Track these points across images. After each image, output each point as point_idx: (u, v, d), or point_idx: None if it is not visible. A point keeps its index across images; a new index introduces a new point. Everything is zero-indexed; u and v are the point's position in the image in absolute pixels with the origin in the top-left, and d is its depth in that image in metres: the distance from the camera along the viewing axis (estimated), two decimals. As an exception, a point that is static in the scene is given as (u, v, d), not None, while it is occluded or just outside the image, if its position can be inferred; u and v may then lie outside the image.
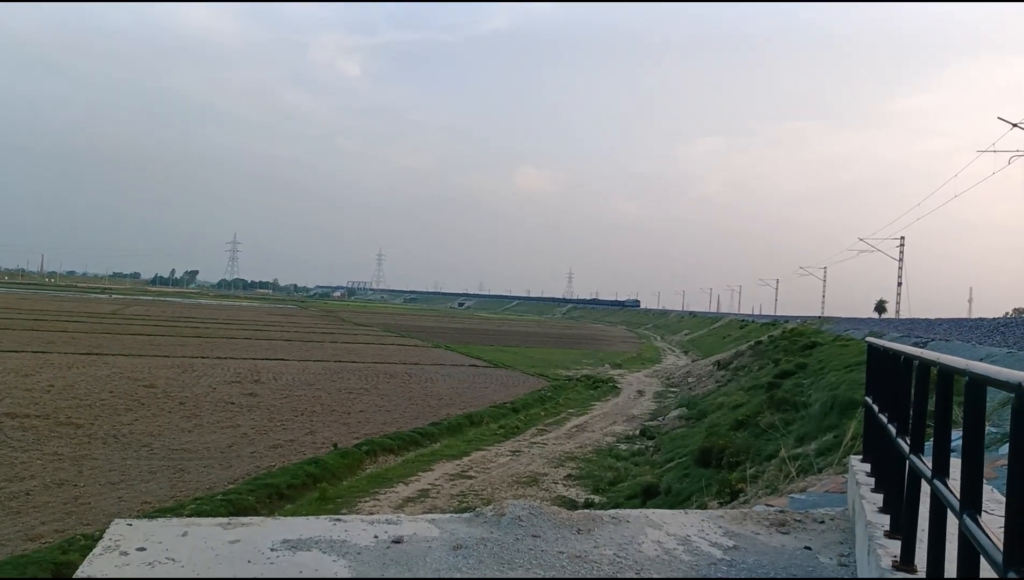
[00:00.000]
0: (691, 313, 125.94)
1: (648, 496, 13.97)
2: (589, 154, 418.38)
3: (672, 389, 36.34)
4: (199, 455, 15.42)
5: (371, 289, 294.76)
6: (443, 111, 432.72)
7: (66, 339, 38.09)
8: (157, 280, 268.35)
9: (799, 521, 3.63)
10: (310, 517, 3.31)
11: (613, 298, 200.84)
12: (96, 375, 25.56)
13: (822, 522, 3.67)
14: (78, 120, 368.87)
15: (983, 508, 1.71)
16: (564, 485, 16.69)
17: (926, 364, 2.52)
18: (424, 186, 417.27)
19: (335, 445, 17.30)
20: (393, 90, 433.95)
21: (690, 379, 38.73)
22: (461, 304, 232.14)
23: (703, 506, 9.23)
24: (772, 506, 5.01)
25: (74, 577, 2.64)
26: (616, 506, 13.77)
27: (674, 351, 68.36)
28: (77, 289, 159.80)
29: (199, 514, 11.26)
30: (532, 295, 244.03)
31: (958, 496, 1.78)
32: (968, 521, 1.67)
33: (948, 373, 2.14)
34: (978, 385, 1.78)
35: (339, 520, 3.20)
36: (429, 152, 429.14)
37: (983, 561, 1.59)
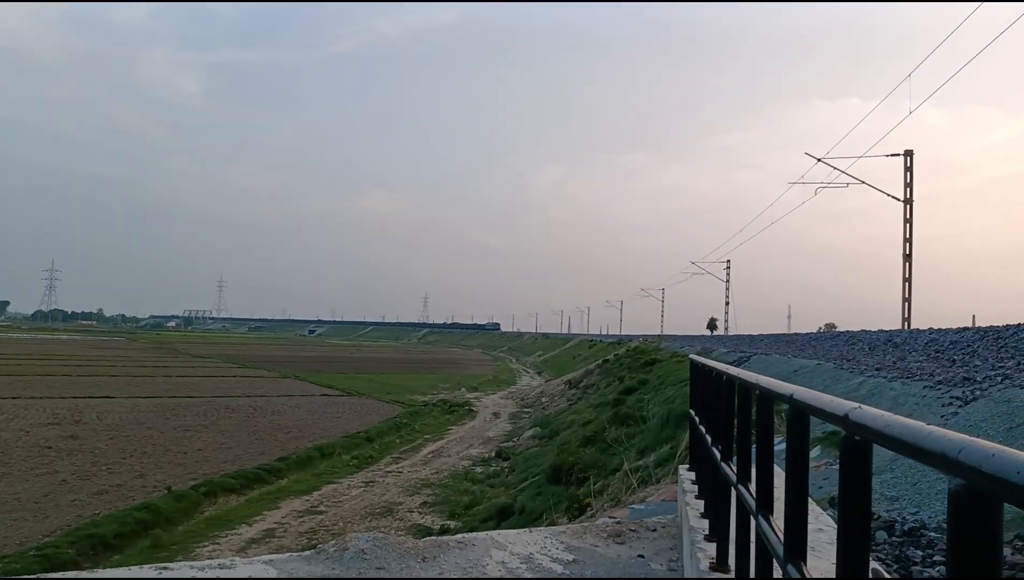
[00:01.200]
0: (544, 335, 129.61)
1: (503, 517, 14.13)
2: (441, 179, 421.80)
3: (527, 409, 37.10)
4: (8, 507, 13.71)
5: (211, 318, 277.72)
6: (287, 132, 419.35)
7: None
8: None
9: (634, 531, 3.85)
10: (132, 567, 3.08)
11: (470, 321, 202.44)
12: None
13: (655, 530, 3.92)
14: None
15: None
16: (420, 513, 16.50)
17: (731, 379, 2.80)
18: (269, 209, 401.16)
19: (169, 488, 16.03)
20: (234, 110, 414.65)
21: (543, 399, 39.74)
22: (312, 331, 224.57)
23: (552, 523, 9.49)
24: (614, 518, 5.28)
25: None
26: (471, 530, 13.81)
27: (528, 372, 69.92)
28: None
29: (6, 574, 10.02)
30: (387, 320, 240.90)
31: (754, 498, 1.99)
32: (762, 521, 1.88)
33: (745, 387, 2.40)
34: (766, 397, 2.01)
35: (165, 568, 3.00)
36: (273, 174, 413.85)
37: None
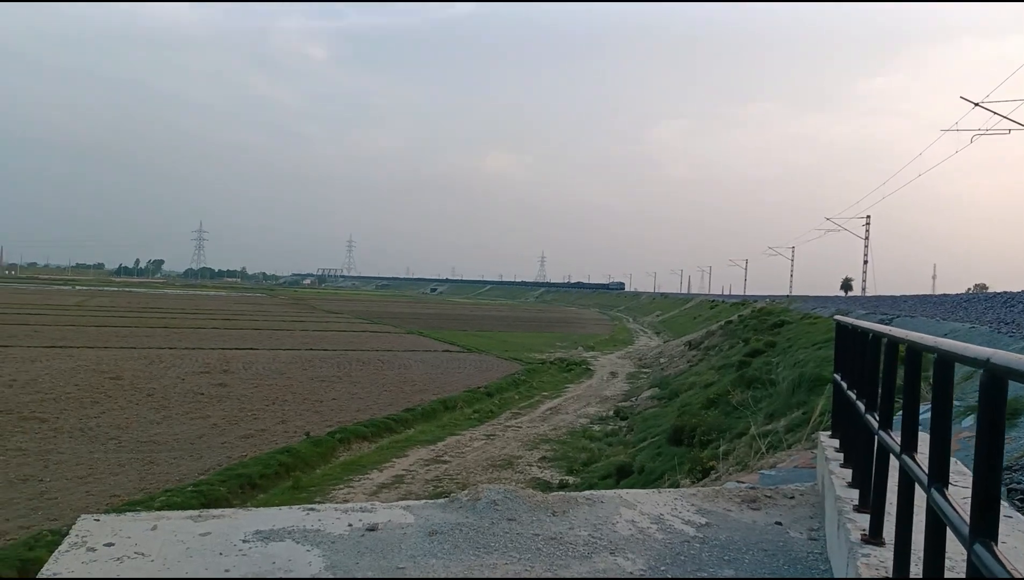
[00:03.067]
0: (662, 294, 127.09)
1: (622, 476, 14.12)
2: (557, 138, 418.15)
3: (644, 370, 36.69)
4: (168, 447, 15.19)
5: (342, 276, 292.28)
6: (411, 95, 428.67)
7: (28, 332, 37.16)
8: (121, 270, 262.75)
9: (769, 497, 3.68)
10: (283, 507, 3.27)
11: (586, 280, 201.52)
12: (60, 368, 25.00)
13: (792, 497, 3.72)
14: (38, 109, 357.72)
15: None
16: (539, 467, 16.79)
17: (894, 341, 2.55)
18: (394, 171, 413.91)
19: (307, 434, 17.18)
20: (360, 75, 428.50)
21: (662, 360, 39.13)
22: (433, 289, 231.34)
23: (676, 484, 9.35)
24: (743, 483, 5.09)
25: (39, 576, 2.57)
26: (590, 486, 13.90)
27: (646, 332, 68.99)
28: (39, 281, 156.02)
29: (169, 507, 11.11)
30: (505, 279, 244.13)
31: (926, 471, 1.80)
32: (936, 495, 1.69)
33: (916, 350, 2.16)
34: (946, 362, 1.80)
35: (312, 510, 3.16)
36: (397, 137, 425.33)
37: (949, 533, 1.61)
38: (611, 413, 24.26)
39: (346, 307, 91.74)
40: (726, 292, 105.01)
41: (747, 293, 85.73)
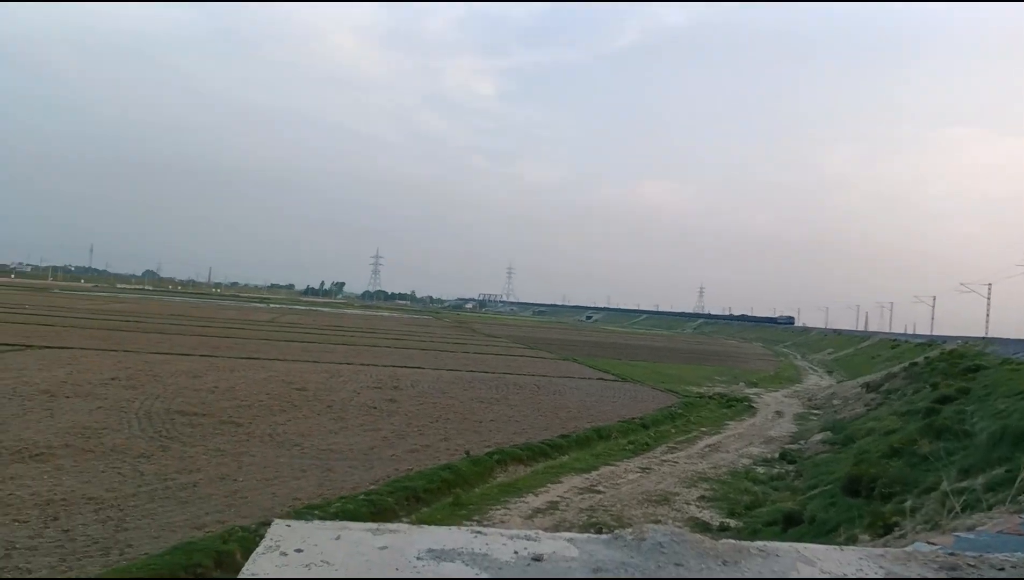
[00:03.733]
0: (835, 331, 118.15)
1: (789, 524, 13.22)
2: (718, 165, 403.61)
3: (814, 411, 34.25)
4: (344, 456, 16.30)
5: (501, 301, 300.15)
6: (572, 127, 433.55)
7: (229, 345, 41.64)
8: (309, 291, 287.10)
9: (973, 566, 3.30)
10: (452, 528, 3.41)
11: (748, 313, 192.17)
12: (255, 378, 27.73)
13: (1002, 569, 3.31)
14: (240, 150, 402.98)
15: None
16: (697, 506, 16.14)
17: None
18: (554, 201, 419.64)
19: (467, 452, 17.73)
20: (524, 109, 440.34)
21: (835, 401, 36.33)
22: (589, 317, 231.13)
23: (852, 539, 8.61)
24: (934, 544, 4.59)
25: (240, 576, 2.88)
26: (754, 532, 13.15)
27: (816, 371, 64.44)
28: (239, 298, 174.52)
29: (344, 512, 11.91)
30: (661, 309, 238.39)
31: None
32: None
33: None
34: None
35: (480, 533, 3.27)
36: (558, 167, 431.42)
37: None
38: (777, 455, 22.85)
39: (504, 331, 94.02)
40: (909, 331, 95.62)
41: (934, 333, 77.62)
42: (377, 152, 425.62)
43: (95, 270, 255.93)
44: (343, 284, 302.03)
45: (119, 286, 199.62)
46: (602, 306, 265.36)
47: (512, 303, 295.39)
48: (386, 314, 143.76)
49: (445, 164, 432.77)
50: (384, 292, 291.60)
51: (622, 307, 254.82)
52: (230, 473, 14.04)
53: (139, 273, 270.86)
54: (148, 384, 24.01)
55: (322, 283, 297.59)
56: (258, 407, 21.48)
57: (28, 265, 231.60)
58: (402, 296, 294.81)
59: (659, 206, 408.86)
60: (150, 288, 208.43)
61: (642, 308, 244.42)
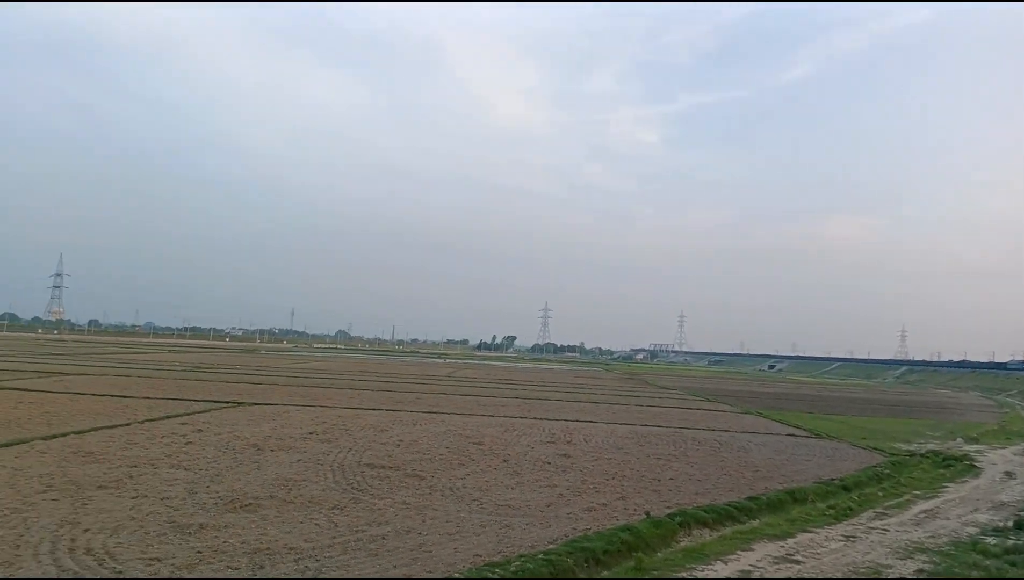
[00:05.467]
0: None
1: (1039, 611, 11.14)
2: (919, 193, 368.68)
3: (1057, 473, 29.28)
4: (521, 512, 16.22)
5: (673, 351, 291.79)
6: (739, 165, 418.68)
7: (411, 399, 43.77)
8: (482, 345, 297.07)
9: None
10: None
11: (961, 357, 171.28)
12: (435, 431, 28.76)
13: None
14: (414, 214, 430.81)
15: None
16: (917, 583, 14.16)
17: None
18: (723, 244, 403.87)
19: (647, 513, 16.96)
20: (688, 152, 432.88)
21: (1083, 461, 30.87)
22: (772, 366, 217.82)
23: None
24: None
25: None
26: (993, 618, 11.23)
27: (1053, 424, 55.51)
28: (419, 354, 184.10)
29: (524, 572, 11.74)
30: (856, 356, 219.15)
31: None
32: None
33: None
34: None
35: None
36: (727, 209, 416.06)
37: None
38: (1011, 524, 19.65)
39: (679, 383, 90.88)
40: None
41: None
42: (542, 207, 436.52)
43: (295, 332, 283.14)
44: (514, 338, 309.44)
45: (315, 346, 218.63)
46: (787, 354, 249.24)
47: (685, 353, 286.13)
48: (556, 366, 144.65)
49: (610, 214, 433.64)
50: (553, 345, 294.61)
51: (810, 355, 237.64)
52: (415, 526, 14.42)
53: (333, 333, 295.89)
54: (341, 438, 25.66)
55: (494, 337, 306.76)
56: (439, 460, 22.14)
57: (240, 329, 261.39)
58: (571, 348, 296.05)
59: (847, 243, 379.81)
60: (342, 347, 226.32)
61: (834, 355, 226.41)
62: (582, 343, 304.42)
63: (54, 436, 22.63)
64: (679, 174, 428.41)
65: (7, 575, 10.43)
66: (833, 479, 23.95)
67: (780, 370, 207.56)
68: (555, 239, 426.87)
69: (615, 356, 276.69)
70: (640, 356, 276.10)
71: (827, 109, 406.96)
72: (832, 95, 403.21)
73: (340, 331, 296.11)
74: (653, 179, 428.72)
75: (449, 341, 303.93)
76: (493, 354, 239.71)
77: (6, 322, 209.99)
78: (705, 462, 25.46)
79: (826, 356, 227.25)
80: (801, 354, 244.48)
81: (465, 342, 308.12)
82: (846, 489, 23.15)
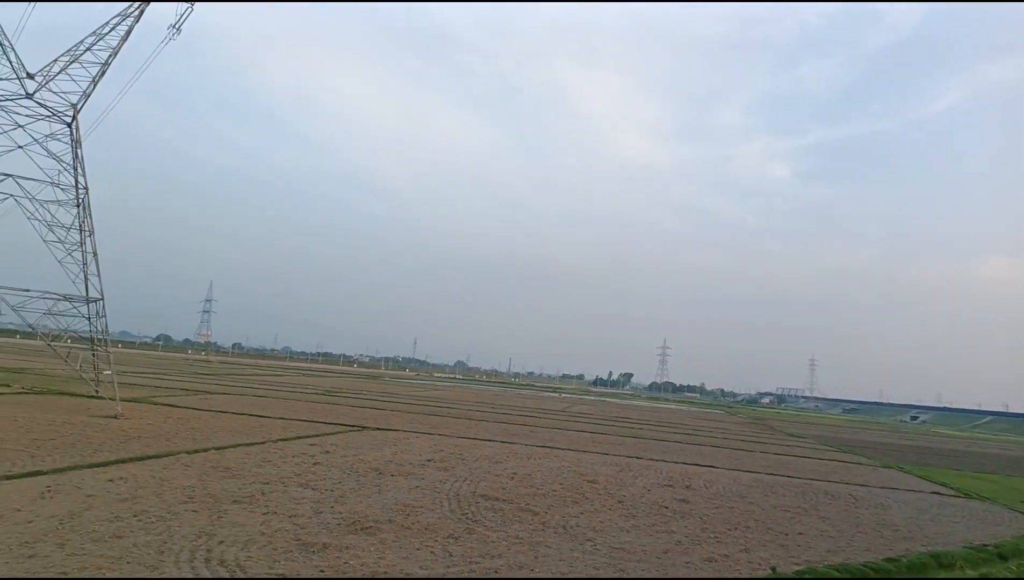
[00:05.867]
0: None
1: None
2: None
3: None
4: (636, 557, 15.72)
5: (804, 396, 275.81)
6: (878, 201, 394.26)
7: (526, 432, 43.82)
8: (598, 382, 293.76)
9: None
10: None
11: None
12: (548, 467, 28.57)
13: None
14: (532, 250, 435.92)
15: None
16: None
17: None
18: (861, 284, 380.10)
19: (773, 568, 15.95)
20: (822, 186, 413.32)
21: None
22: (914, 418, 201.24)
23: None
24: None
25: None
26: None
27: None
28: (534, 387, 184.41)
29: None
30: (1012, 410, 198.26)
31: None
32: None
33: None
34: None
35: None
36: (863, 248, 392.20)
37: None
38: None
39: (809, 431, 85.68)
40: None
41: None
42: (663, 242, 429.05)
43: (417, 361, 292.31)
44: (631, 375, 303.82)
45: (435, 375, 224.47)
46: (931, 405, 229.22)
47: (816, 399, 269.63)
48: (674, 406, 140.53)
49: (735, 250, 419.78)
50: (672, 384, 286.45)
51: (959, 407, 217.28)
52: (527, 562, 14.31)
53: (451, 363, 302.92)
54: (457, 467, 26.02)
55: (610, 373, 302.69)
56: (552, 497, 21.93)
57: (367, 356, 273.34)
58: (690, 388, 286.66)
59: (1004, 287, 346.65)
60: (460, 377, 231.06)
61: (985, 408, 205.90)
62: (702, 384, 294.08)
63: (197, 451, 24.42)
64: (812, 209, 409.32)
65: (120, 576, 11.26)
66: (986, 545, 21.54)
67: (923, 422, 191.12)
68: (676, 275, 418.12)
69: (738, 399, 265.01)
70: (766, 400, 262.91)
71: (977, 140, 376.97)
72: (982, 126, 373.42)
73: (459, 361, 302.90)
74: (783, 214, 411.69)
75: (565, 375, 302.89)
76: (609, 391, 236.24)
77: (161, 343, 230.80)
78: (838, 517, 23.70)
79: (977, 408, 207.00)
80: (948, 405, 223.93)
81: (581, 377, 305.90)
82: (1002, 557, 20.73)
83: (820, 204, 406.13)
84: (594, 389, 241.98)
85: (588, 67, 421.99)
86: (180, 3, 40.04)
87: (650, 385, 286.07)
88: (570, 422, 58.84)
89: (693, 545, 17.51)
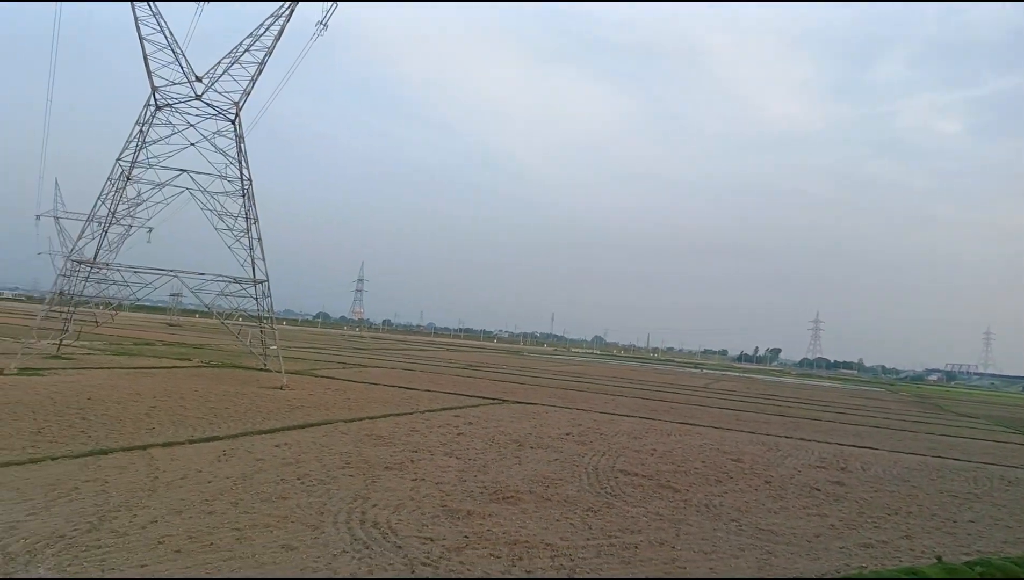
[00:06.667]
0: None
1: None
2: None
3: None
4: (785, 539, 15.08)
5: (977, 373, 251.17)
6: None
7: (665, 408, 43.11)
8: (742, 357, 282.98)
9: None
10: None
11: None
12: (690, 444, 27.97)
13: None
14: (682, 222, 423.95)
15: None
16: None
17: None
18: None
19: (939, 557, 14.73)
20: (1001, 142, 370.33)
21: None
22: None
23: None
24: None
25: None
26: None
27: None
28: (674, 363, 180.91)
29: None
30: None
31: None
32: None
33: None
34: None
35: None
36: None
37: None
38: None
39: (983, 410, 78.13)
40: None
41: None
42: (815, 209, 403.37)
43: (555, 336, 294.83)
44: (779, 350, 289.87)
45: (573, 350, 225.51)
46: None
47: (992, 376, 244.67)
48: (827, 384, 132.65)
49: (898, 215, 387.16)
50: (825, 360, 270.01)
51: None
52: (668, 539, 14.13)
53: (589, 338, 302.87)
54: (595, 441, 26.10)
55: (756, 349, 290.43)
56: (694, 474, 21.47)
57: (506, 332, 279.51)
58: (846, 365, 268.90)
59: None
60: (597, 352, 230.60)
61: None
62: (860, 360, 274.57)
63: (352, 420, 26.14)
64: (990, 168, 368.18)
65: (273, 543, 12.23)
66: None
67: None
68: (829, 244, 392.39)
69: (901, 376, 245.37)
70: (933, 377, 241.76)
71: None
72: None
73: (596, 337, 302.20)
74: (954, 174, 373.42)
75: (706, 351, 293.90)
76: (754, 367, 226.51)
77: (320, 320, 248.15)
78: (1017, 506, 21.46)
79: None
80: None
81: (724, 353, 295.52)
82: None
83: (999, 163, 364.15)
84: (737, 365, 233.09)
85: (731, 29, 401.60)
86: (326, 1, 42.33)
87: (800, 361, 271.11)
88: (712, 399, 57.18)
89: (848, 530, 16.53)
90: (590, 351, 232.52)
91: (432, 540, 12.55)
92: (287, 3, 40.95)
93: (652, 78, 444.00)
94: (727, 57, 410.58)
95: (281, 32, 41.06)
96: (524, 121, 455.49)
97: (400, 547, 11.98)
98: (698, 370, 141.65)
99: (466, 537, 12.91)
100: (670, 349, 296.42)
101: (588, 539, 13.57)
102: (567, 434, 27.35)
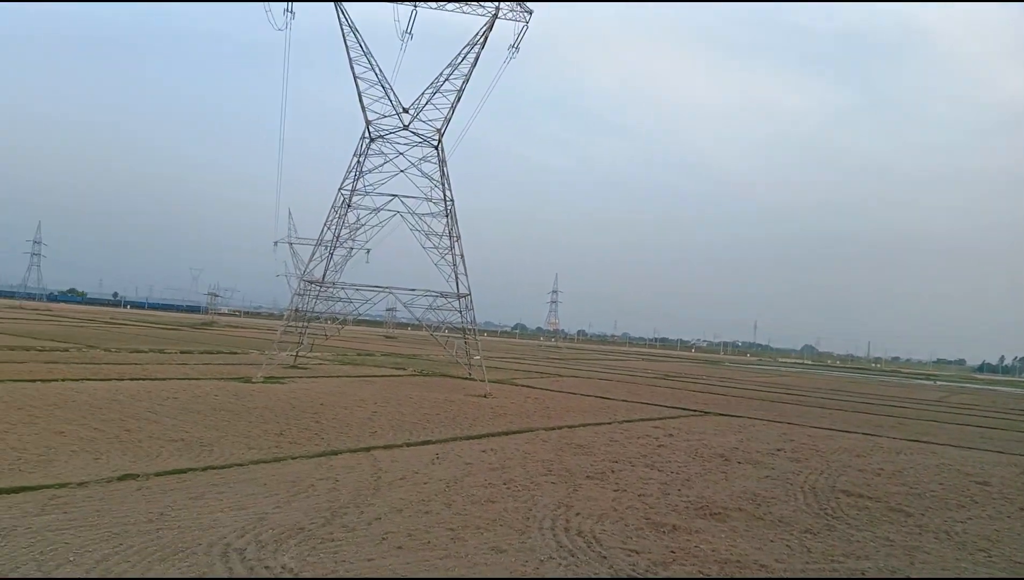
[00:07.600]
0: None
1: None
2: None
3: None
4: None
5: None
6: None
7: (892, 424, 38.99)
8: (984, 367, 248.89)
9: None
10: None
11: None
12: (924, 464, 25.00)
13: None
14: (908, 218, 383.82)
15: None
16: None
17: None
18: None
19: None
20: None
21: None
22: None
23: None
24: None
25: None
26: None
27: None
28: (901, 374, 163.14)
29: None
30: None
31: None
32: None
33: None
34: None
35: None
36: None
37: None
38: None
39: None
40: None
41: None
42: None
43: (758, 345, 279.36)
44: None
45: (780, 360, 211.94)
46: None
47: None
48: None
49: None
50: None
51: None
52: (901, 567, 12.69)
53: (798, 348, 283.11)
54: (811, 458, 24.22)
55: (1001, 358, 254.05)
56: (930, 498, 19.12)
57: (704, 341, 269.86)
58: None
59: None
60: (809, 362, 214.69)
61: None
62: None
63: (552, 428, 26.61)
64: None
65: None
66: None
67: None
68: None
69: None
70: None
71: None
72: None
73: (806, 346, 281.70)
74: None
75: (940, 360, 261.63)
76: (1002, 378, 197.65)
77: (517, 331, 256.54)
78: None
79: None
80: None
81: (961, 362, 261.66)
82: None
83: None
84: (979, 376, 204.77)
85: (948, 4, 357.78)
86: (516, 23, 43.96)
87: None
88: (949, 414, 50.74)
89: None
90: (800, 361, 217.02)
91: (637, 553, 12.33)
92: (482, 30, 43.10)
93: (861, 64, 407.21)
94: (950, 30, 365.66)
95: (477, 60, 43.29)
96: (722, 120, 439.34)
97: (605, 557, 11.91)
98: (931, 382, 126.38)
99: (672, 552, 12.54)
100: (895, 358, 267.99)
101: (807, 562, 12.57)
102: (778, 450, 25.68)
